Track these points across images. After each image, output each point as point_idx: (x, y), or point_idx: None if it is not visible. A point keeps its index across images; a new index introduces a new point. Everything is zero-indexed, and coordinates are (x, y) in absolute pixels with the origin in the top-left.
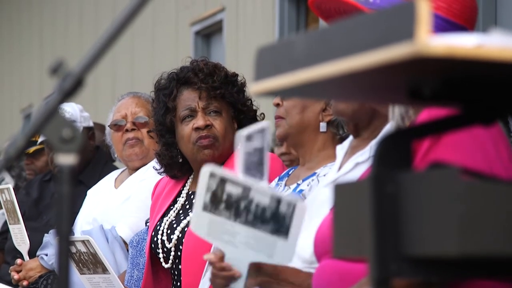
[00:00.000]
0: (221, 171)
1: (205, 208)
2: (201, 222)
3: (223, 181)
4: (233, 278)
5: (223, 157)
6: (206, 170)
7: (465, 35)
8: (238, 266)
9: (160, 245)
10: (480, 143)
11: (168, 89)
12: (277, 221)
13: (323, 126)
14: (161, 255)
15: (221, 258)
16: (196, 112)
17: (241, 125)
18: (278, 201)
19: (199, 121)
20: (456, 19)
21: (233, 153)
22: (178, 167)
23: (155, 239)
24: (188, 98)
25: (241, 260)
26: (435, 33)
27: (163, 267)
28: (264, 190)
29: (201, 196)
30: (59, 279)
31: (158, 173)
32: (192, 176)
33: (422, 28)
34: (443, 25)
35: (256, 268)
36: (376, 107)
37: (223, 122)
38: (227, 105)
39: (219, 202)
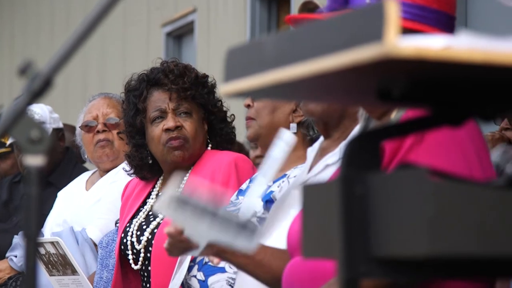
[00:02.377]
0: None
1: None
2: (165, 200)
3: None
4: (190, 248)
5: (193, 158)
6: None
7: (433, 36)
8: (197, 240)
9: (129, 247)
10: (461, 145)
11: (138, 90)
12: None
13: (293, 127)
14: (130, 257)
15: (181, 232)
16: (166, 113)
17: (211, 126)
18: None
19: (169, 122)
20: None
21: (203, 154)
22: (148, 169)
23: (125, 240)
24: (158, 99)
25: (201, 236)
26: (414, 22)
27: (133, 268)
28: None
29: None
30: (26, 281)
31: (128, 174)
32: (162, 178)
33: (390, 30)
34: (417, 12)
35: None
36: (346, 107)
37: (193, 123)
38: (197, 106)
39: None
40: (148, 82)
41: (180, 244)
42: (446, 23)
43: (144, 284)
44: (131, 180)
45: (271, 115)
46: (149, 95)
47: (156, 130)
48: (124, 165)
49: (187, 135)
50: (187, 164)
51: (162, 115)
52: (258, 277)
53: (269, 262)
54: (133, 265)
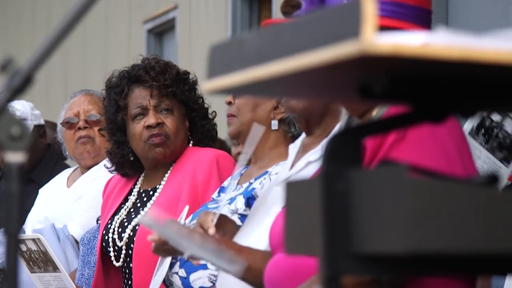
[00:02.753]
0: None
1: None
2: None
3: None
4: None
5: (175, 155)
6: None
7: (411, 33)
8: (182, 250)
9: (111, 244)
10: (442, 142)
11: (119, 87)
12: None
13: (274, 124)
14: (112, 254)
15: (164, 243)
16: (148, 110)
17: (193, 123)
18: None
19: (151, 119)
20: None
21: (185, 151)
22: (129, 165)
23: (106, 237)
24: (140, 96)
25: (185, 249)
26: (393, 19)
27: (114, 265)
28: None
29: None
30: (7, 278)
31: (109, 171)
32: (143, 174)
33: (367, 27)
34: (396, 10)
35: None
36: (328, 103)
37: (174, 120)
38: (178, 103)
39: None
40: (129, 79)
41: (166, 247)
42: (423, 18)
43: (125, 281)
44: (112, 177)
45: (252, 112)
46: (130, 92)
47: (137, 127)
48: (106, 162)
49: (168, 132)
50: (169, 161)
51: (143, 112)
52: (248, 282)
53: (259, 266)
54: (114, 262)
